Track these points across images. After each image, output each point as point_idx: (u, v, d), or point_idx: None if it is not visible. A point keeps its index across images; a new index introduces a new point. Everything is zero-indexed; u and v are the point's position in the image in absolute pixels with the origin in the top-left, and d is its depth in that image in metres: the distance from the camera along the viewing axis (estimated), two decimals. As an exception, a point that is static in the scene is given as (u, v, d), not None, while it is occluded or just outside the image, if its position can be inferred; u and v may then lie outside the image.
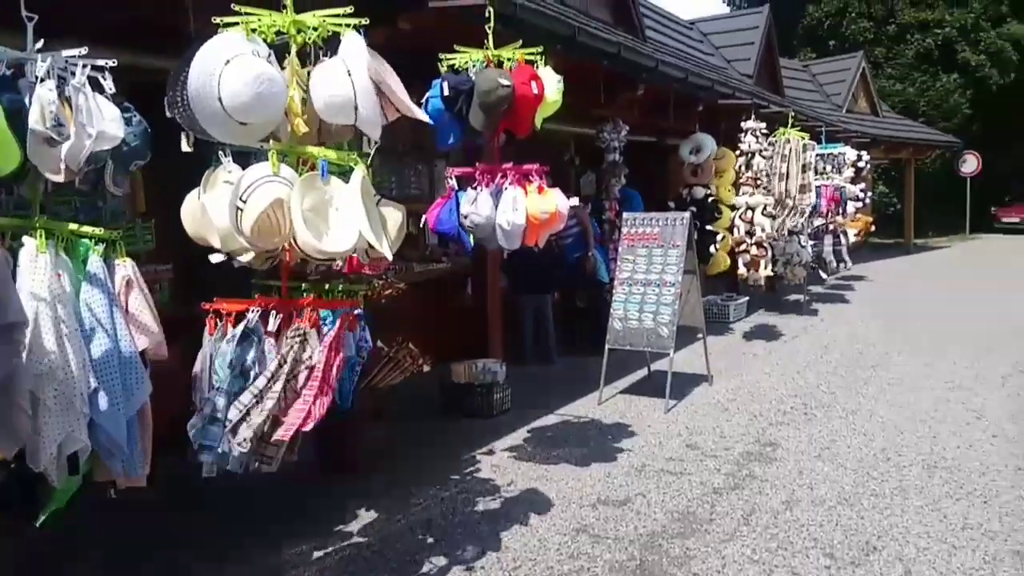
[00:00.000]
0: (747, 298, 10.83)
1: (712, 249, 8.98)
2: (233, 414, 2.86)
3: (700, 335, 6.94)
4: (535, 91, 3.89)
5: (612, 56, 6.36)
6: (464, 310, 7.29)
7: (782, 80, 15.58)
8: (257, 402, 2.90)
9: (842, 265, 11.68)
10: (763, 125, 8.67)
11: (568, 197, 8.25)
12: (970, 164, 24.46)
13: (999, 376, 7.09)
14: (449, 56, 4.06)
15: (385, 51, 4.64)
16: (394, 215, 3.09)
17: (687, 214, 6.47)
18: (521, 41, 4.05)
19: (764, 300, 11.55)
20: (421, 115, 3.19)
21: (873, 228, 15.89)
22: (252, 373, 2.97)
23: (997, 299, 11.75)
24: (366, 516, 4.18)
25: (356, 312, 3.18)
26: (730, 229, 9.43)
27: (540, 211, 3.73)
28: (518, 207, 3.71)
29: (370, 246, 2.80)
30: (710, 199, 8.90)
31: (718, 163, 9.48)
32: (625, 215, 6.75)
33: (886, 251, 20.14)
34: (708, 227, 9.07)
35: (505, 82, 3.81)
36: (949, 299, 11.88)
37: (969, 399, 6.36)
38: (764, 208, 8.56)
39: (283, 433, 2.93)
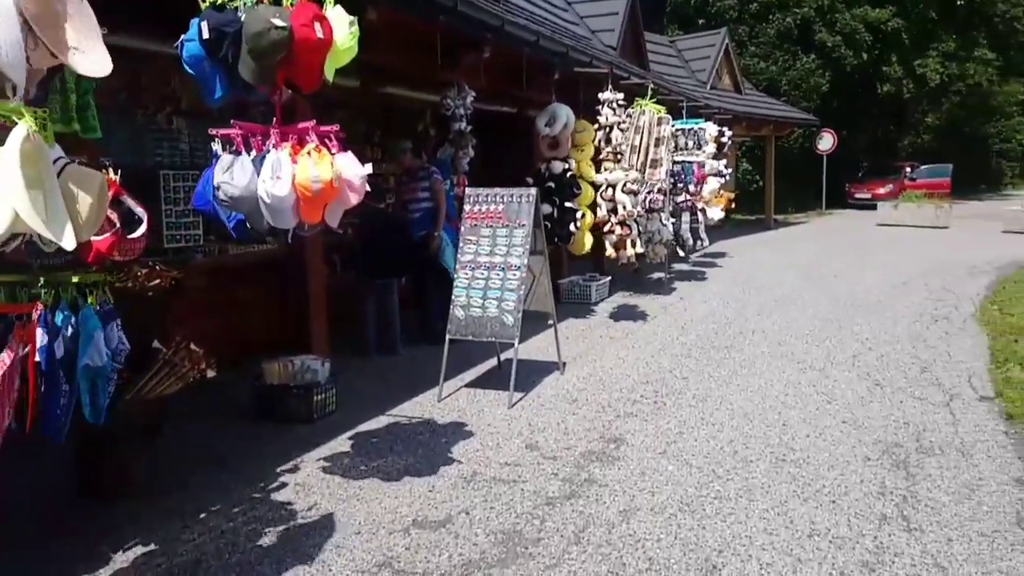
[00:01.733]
0: (609, 278, 10.52)
1: (572, 227, 8.54)
2: None
3: (551, 321, 6.44)
4: (319, 34, 3.18)
5: (448, 10, 5.69)
6: (296, 298, 6.51)
7: (647, 54, 15.38)
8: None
9: (699, 243, 11.56)
10: (620, 96, 8.26)
11: (428, 170, 7.68)
12: (826, 141, 25.43)
13: (849, 355, 7.00)
14: (211, -10, 3.28)
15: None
16: (84, 193, 2.31)
17: (534, 191, 5.92)
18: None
19: (627, 279, 11.30)
20: (92, 69, 2.39)
21: (733, 205, 16.08)
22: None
23: (846, 274, 12.00)
24: (121, 557, 3.40)
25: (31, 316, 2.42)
26: (593, 207, 9.06)
27: (311, 179, 3.02)
28: (280, 174, 2.98)
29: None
30: (568, 174, 8.44)
31: (577, 136, 9.04)
32: (468, 191, 6.13)
33: (748, 227, 20.61)
34: (567, 204, 8.63)
35: (279, 23, 3.08)
36: (803, 275, 12.03)
37: (820, 381, 6.18)
38: (624, 185, 8.15)
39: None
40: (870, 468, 4.39)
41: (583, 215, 8.81)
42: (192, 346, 3.99)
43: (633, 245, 8.41)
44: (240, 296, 6.44)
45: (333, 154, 3.14)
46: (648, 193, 9.85)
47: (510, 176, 8.70)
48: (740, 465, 4.44)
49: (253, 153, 3.14)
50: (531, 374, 6.37)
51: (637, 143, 9.38)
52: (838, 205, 27.40)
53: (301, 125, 3.20)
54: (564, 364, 6.59)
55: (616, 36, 13.48)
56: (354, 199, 3.27)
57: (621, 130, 8.20)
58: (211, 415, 5.29)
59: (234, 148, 3.17)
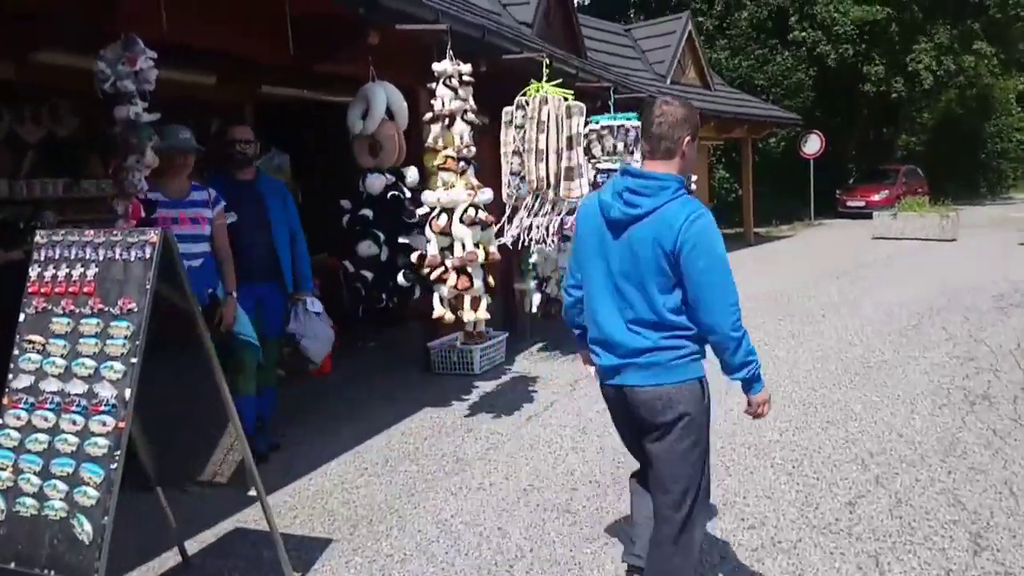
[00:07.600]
0: (505, 335, 7.45)
1: (401, 279, 5.44)
2: None
3: (252, 491, 3.31)
4: None
5: None
6: None
7: (582, 37, 12.36)
8: None
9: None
10: (466, 70, 5.15)
11: (205, 190, 4.40)
12: (813, 144, 22.38)
13: (843, 503, 3.93)
14: None
15: None
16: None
17: (154, 233, 2.78)
18: None
19: (543, 329, 8.22)
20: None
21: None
22: None
23: (837, 310, 8.98)
24: None
25: None
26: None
27: None
28: None
29: None
30: (390, 195, 5.35)
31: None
32: (39, 236, 2.98)
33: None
34: (401, 240, 5.58)
35: None
36: (781, 313, 8.98)
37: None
38: (464, 211, 5.01)
39: None
40: None
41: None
42: None
43: (475, 306, 5.23)
44: None
45: None
46: (557, 216, 6.87)
47: (328, 195, 5.77)
48: None
49: None
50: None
51: (543, 144, 6.38)
52: (828, 214, 24.30)
53: None
54: None
55: (532, 10, 10.46)
56: None
57: (467, 122, 5.09)
58: None
59: None
